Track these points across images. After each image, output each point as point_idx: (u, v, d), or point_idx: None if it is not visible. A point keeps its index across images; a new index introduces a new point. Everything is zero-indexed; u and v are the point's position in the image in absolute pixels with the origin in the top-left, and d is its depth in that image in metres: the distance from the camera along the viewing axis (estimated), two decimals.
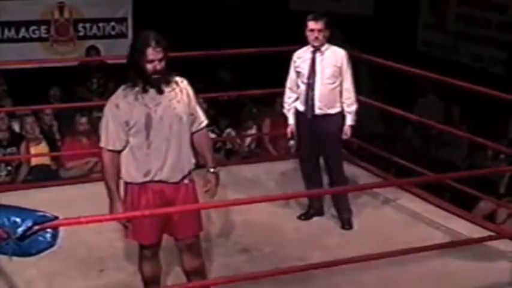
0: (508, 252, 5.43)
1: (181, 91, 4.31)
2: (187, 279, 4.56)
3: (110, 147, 4.26)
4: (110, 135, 4.25)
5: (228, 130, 9.30)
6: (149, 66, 4.17)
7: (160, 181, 4.27)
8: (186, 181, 4.35)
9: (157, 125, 4.21)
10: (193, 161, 4.39)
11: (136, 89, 4.22)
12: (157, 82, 4.21)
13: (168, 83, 4.26)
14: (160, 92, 4.23)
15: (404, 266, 5.04)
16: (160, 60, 4.18)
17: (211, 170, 4.41)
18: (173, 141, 4.25)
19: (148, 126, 4.20)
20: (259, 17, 11.48)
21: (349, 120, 5.94)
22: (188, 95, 4.34)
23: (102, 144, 4.29)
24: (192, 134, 4.39)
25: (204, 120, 4.47)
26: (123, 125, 4.20)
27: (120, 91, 4.26)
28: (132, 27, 10.88)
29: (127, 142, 4.24)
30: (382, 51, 7.44)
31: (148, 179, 4.26)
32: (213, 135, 8.27)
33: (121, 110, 4.21)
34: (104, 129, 4.28)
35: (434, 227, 6.00)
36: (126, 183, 4.34)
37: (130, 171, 4.28)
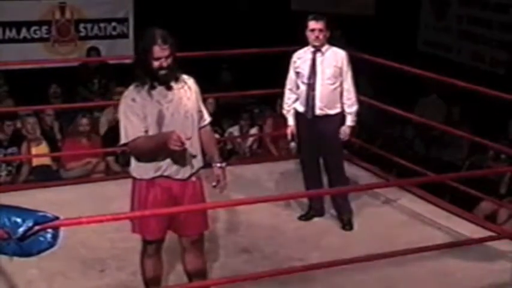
0: (508, 253, 5.43)
1: (189, 88, 4.36)
2: (188, 279, 4.56)
3: (132, 138, 4.23)
4: (131, 128, 4.22)
5: (230, 130, 9.30)
6: (156, 64, 4.20)
7: (168, 177, 4.30)
8: (193, 178, 4.38)
9: (169, 121, 4.25)
10: (201, 158, 4.41)
11: (146, 86, 4.25)
12: (165, 79, 4.24)
13: (177, 79, 4.30)
14: (169, 88, 4.26)
15: (405, 267, 5.04)
16: (167, 57, 4.20)
17: (218, 164, 4.45)
18: (184, 137, 4.27)
19: (160, 122, 4.24)
20: (260, 17, 11.47)
21: (349, 121, 5.93)
22: (195, 92, 4.40)
23: (123, 141, 4.27)
24: (198, 130, 4.42)
25: (207, 118, 4.52)
26: (141, 116, 4.22)
27: (132, 88, 4.29)
28: (133, 28, 10.89)
29: (146, 133, 4.24)
30: (383, 51, 7.44)
31: (158, 174, 4.29)
32: (216, 135, 8.26)
33: (138, 103, 4.23)
34: (123, 126, 4.26)
35: (435, 227, 6.00)
36: (135, 180, 4.36)
37: (141, 166, 4.30)
